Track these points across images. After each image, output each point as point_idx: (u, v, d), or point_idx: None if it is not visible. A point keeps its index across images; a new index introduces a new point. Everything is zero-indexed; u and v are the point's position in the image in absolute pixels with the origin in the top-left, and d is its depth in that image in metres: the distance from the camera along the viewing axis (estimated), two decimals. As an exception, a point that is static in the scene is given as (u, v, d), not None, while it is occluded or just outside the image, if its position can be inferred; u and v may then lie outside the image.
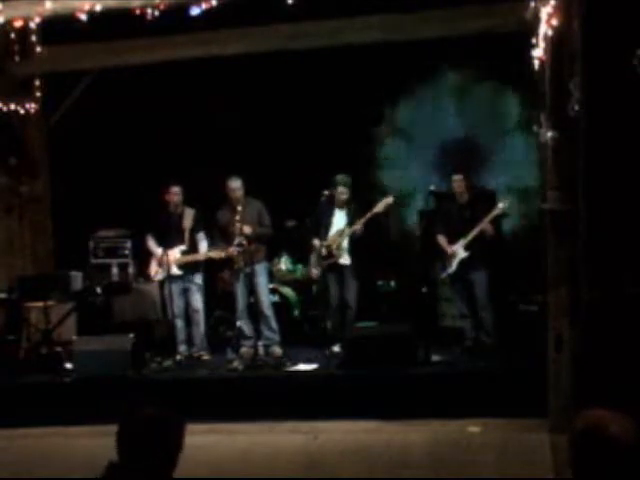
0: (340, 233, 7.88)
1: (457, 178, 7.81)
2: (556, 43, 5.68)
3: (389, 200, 7.75)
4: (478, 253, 7.61)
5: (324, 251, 7.86)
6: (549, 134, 5.76)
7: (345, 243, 7.86)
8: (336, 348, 7.65)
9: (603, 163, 5.55)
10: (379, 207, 7.73)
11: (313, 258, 8.16)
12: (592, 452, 2.27)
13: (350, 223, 7.86)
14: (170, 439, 2.54)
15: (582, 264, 5.67)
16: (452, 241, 7.74)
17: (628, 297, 5.49)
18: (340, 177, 7.92)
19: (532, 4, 6.00)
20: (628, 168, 5.52)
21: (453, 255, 7.67)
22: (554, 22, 5.52)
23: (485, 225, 7.57)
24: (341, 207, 7.96)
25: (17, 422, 6.78)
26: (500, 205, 7.64)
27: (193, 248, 8.01)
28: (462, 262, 7.64)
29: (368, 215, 7.73)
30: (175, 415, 2.60)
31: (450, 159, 9.77)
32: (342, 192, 7.89)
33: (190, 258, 7.95)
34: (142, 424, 2.54)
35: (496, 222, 7.80)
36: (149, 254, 8.20)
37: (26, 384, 7.41)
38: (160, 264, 7.97)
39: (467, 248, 7.63)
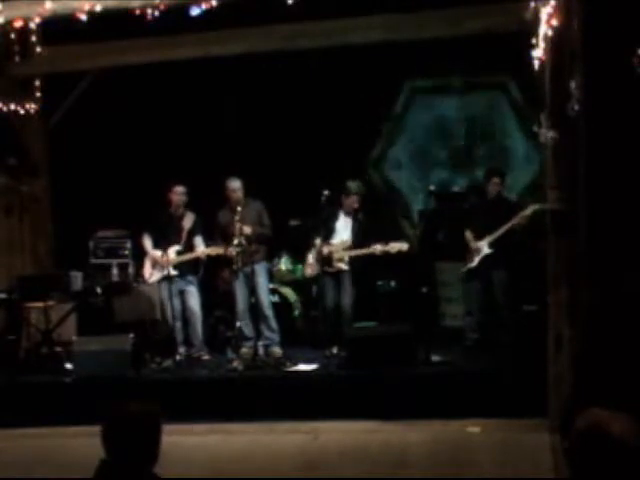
0: (345, 247, 7.79)
1: (496, 181, 7.77)
2: (556, 43, 5.68)
3: (403, 247, 7.54)
4: (501, 252, 7.56)
5: (324, 254, 7.79)
6: (549, 134, 5.76)
7: (347, 257, 7.78)
8: (334, 350, 7.64)
9: (603, 163, 5.55)
10: (392, 249, 7.53)
11: (311, 257, 8.13)
12: (593, 452, 2.26)
13: (357, 235, 7.78)
14: (150, 433, 2.65)
15: (582, 264, 5.66)
16: (478, 237, 7.68)
17: (628, 297, 5.48)
18: (355, 185, 7.80)
19: (532, 4, 5.99)
20: (628, 168, 5.52)
21: (477, 251, 7.64)
22: (554, 22, 5.52)
23: (519, 220, 7.36)
24: (349, 214, 7.90)
25: (17, 422, 6.78)
26: (530, 207, 7.35)
27: (189, 249, 7.96)
28: (484, 259, 7.61)
29: (378, 250, 7.56)
30: (153, 410, 2.70)
31: (451, 159, 9.78)
32: (355, 201, 7.80)
33: (188, 257, 7.92)
34: (123, 420, 2.65)
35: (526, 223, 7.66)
36: (144, 254, 8.19)
37: (26, 384, 7.41)
38: (155, 265, 7.96)
39: (491, 246, 7.60)
